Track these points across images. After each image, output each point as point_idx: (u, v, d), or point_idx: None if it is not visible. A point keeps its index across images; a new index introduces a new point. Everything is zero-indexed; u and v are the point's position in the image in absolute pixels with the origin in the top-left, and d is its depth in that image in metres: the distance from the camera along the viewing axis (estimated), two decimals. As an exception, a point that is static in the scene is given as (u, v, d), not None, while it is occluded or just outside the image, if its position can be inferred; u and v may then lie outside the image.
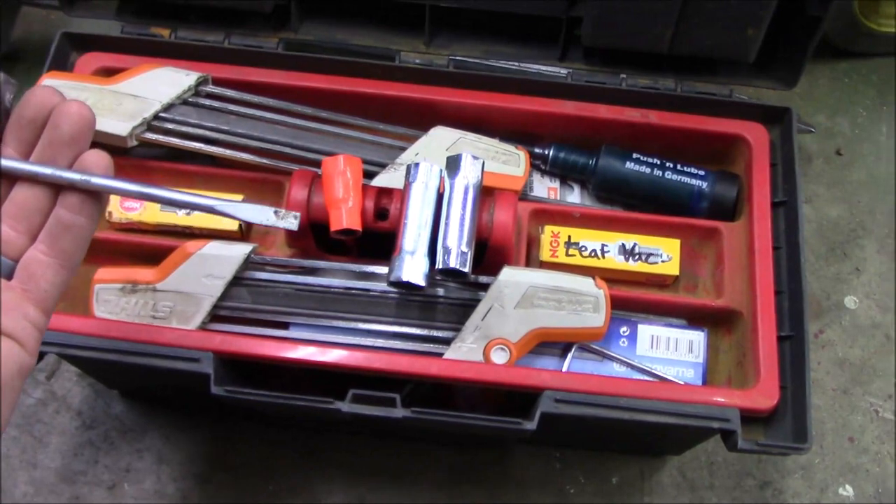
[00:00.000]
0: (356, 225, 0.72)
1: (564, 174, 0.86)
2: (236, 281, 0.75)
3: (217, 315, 0.76)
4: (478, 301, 0.73)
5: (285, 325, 0.77)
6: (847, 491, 0.93)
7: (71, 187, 0.49)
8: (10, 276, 0.48)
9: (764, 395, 0.72)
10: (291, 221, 0.55)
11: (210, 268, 0.75)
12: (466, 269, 0.70)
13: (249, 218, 0.55)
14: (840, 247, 1.05)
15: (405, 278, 0.69)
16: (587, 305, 0.73)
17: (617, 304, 0.78)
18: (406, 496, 0.91)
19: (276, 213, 0.55)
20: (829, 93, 1.15)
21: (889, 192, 1.08)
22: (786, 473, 0.94)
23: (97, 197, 0.49)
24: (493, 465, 0.92)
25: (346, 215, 0.71)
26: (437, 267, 0.70)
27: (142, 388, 0.91)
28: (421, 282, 0.69)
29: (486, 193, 0.76)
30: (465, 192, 0.72)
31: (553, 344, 0.77)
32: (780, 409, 0.73)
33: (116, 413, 0.93)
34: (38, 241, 0.49)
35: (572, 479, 0.93)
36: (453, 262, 0.69)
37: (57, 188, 0.49)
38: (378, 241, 0.76)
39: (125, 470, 0.91)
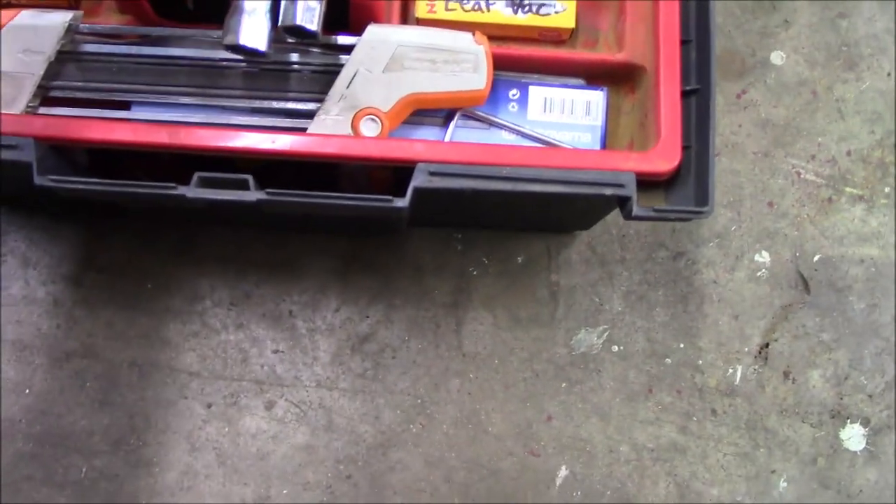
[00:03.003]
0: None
1: (447, -85, 0.74)
2: (63, 56, 0.65)
3: (49, 97, 0.66)
4: (342, 66, 0.64)
5: (127, 105, 0.67)
6: (763, 257, 0.89)
7: None
8: None
9: (663, 156, 0.65)
10: None
11: (27, 41, 0.64)
12: (315, 28, 0.59)
13: None
14: (769, -3, 0.96)
15: (241, 41, 0.59)
16: (466, 65, 0.64)
17: (506, 64, 0.69)
18: (296, 286, 0.85)
19: None
20: None
21: (824, -68, 0.97)
22: (700, 243, 0.89)
23: None
24: (388, 251, 0.86)
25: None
26: (279, 24, 0.59)
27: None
28: (261, 45, 0.59)
29: (346, -62, 0.64)
30: (315, -65, 0.61)
31: (434, 112, 0.69)
32: (683, 171, 0.66)
33: (-28, 217, 0.85)
34: None
35: (475, 260, 0.87)
36: (299, 19, 0.59)
37: None
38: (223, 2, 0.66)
39: (-12, 276, 0.84)
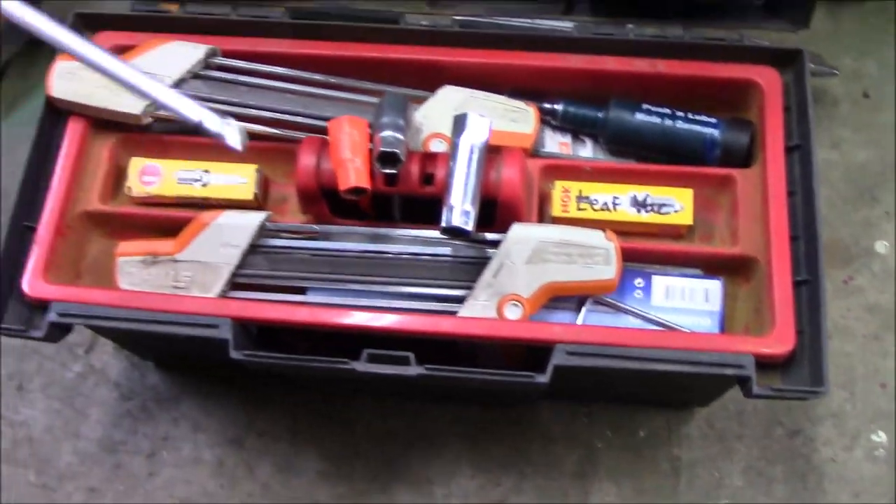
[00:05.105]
0: (364, 183, 0.72)
1: (576, 129, 0.86)
2: (253, 249, 0.77)
3: (237, 283, 0.78)
4: (490, 259, 0.74)
5: (303, 291, 0.78)
6: (880, 437, 0.92)
7: None
8: None
9: (779, 340, 0.72)
10: (234, 135, 0.65)
11: (226, 237, 0.76)
12: (469, 228, 0.70)
13: (191, 116, 0.66)
14: (869, 191, 1.03)
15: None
16: (598, 258, 0.73)
17: (631, 256, 0.78)
18: (433, 455, 0.92)
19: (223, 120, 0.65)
20: (855, 34, 1.11)
21: (918, 133, 1.06)
22: (816, 421, 0.93)
23: None
24: (519, 422, 0.93)
25: (353, 174, 0.72)
26: (440, 225, 0.70)
27: (174, 357, 0.94)
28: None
29: (494, 151, 0.76)
30: (471, 152, 0.72)
31: (568, 298, 0.78)
32: (798, 354, 0.72)
33: (152, 383, 0.96)
34: None
35: (599, 433, 0.93)
36: (455, 221, 0.70)
37: None
38: (389, 204, 0.78)
39: (163, 438, 0.94)
